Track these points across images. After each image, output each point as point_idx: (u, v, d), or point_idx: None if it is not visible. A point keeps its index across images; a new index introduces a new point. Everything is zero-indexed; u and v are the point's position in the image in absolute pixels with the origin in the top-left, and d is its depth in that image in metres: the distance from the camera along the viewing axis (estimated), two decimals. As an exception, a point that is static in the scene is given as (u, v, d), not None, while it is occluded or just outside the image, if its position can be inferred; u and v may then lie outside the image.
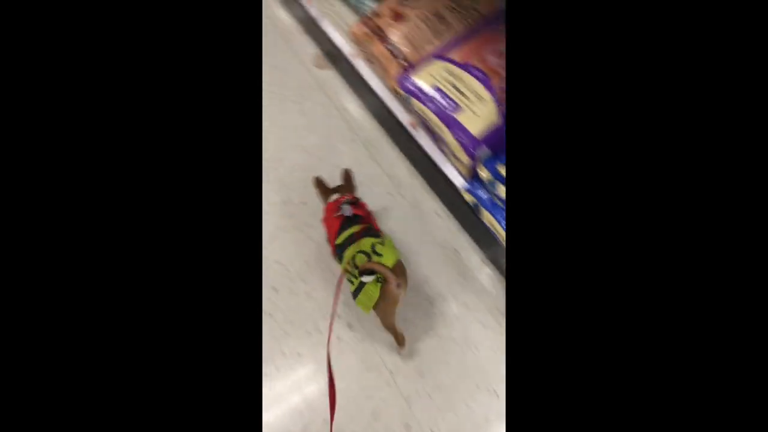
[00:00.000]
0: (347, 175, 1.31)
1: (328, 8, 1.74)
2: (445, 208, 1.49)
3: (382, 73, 1.43)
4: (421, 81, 1.21)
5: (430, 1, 1.41)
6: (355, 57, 1.58)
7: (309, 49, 1.92)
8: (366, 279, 0.99)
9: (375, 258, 1.01)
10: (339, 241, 1.10)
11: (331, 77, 1.84)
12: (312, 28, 1.86)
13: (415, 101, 1.22)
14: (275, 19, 2.04)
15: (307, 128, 1.69)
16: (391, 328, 1.12)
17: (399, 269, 1.04)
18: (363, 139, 1.66)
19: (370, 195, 1.51)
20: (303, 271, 1.38)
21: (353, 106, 1.74)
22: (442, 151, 1.33)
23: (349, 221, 1.12)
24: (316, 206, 1.35)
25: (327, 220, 1.19)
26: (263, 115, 1.72)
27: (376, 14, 1.45)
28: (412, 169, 1.57)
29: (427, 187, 1.53)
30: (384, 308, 1.04)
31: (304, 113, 1.74)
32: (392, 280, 0.98)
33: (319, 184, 1.29)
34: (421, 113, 1.25)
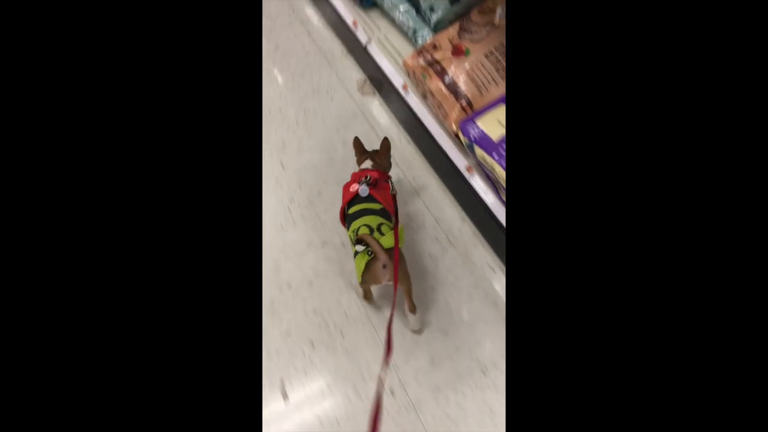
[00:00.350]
0: (385, 144, 1.29)
1: (377, 32, 1.63)
2: (499, 261, 1.35)
3: (439, 111, 1.30)
4: (488, 129, 1.08)
5: (495, 33, 1.28)
6: (406, 89, 1.46)
7: (354, 74, 1.81)
8: (358, 248, 1.04)
9: (376, 235, 1.05)
10: (350, 211, 1.14)
11: (376, 105, 1.72)
12: (358, 52, 1.75)
13: (479, 150, 1.09)
14: (320, 41, 1.94)
15: (349, 159, 1.59)
16: (365, 290, 1.26)
17: (392, 254, 1.05)
18: (410, 177, 1.54)
19: (414, 236, 1.39)
20: (341, 323, 1.28)
21: (403, 141, 1.62)
22: (504, 201, 1.19)
23: (363, 199, 1.14)
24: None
25: (345, 187, 1.20)
26: (303, 141, 1.63)
27: (434, 46, 1.32)
28: (463, 215, 1.44)
29: (480, 237, 1.40)
30: (367, 281, 1.08)
31: (346, 143, 1.63)
32: (381, 259, 1.01)
33: (357, 143, 1.32)
34: (484, 163, 1.12)
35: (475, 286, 1.31)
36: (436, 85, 1.27)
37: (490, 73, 1.22)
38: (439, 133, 1.36)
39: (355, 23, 1.67)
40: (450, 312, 1.27)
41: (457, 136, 1.23)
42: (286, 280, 1.36)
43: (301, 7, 2.07)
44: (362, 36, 1.64)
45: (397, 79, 1.49)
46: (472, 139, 1.10)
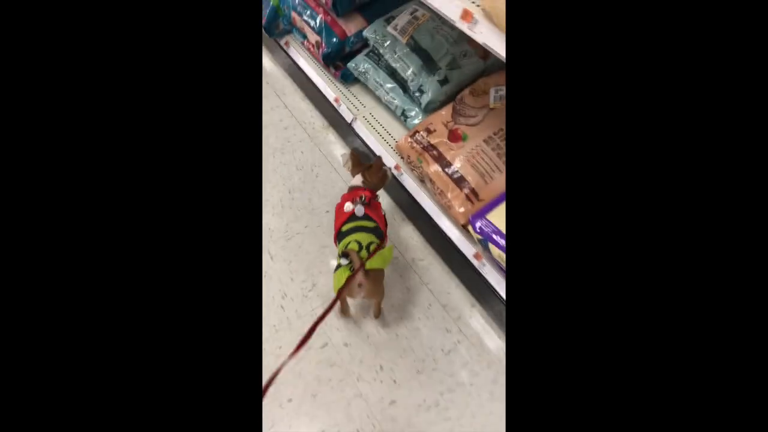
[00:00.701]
0: (378, 162, 1.28)
1: (362, 109, 1.58)
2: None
3: (440, 199, 1.24)
4: (503, 225, 1.02)
5: (491, 116, 1.25)
6: (399, 170, 1.40)
7: (338, 148, 1.74)
8: (342, 261, 1.06)
9: (363, 254, 1.06)
10: (346, 227, 1.14)
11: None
12: (340, 124, 1.69)
13: (495, 249, 1.03)
14: (299, 113, 1.87)
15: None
16: (341, 303, 1.26)
17: (373, 276, 1.08)
18: (408, 258, 1.45)
19: (423, 329, 1.28)
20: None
21: (398, 219, 1.54)
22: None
23: (357, 218, 1.15)
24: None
25: (338, 208, 1.21)
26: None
27: (428, 130, 1.28)
28: (473, 300, 1.36)
29: (494, 326, 1.31)
30: (343, 296, 1.13)
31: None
32: (358, 277, 1.03)
33: (354, 155, 1.30)
34: (500, 261, 1.05)
35: (495, 381, 1.22)
36: (435, 171, 1.21)
37: (492, 160, 1.18)
38: (439, 216, 1.30)
39: (337, 100, 1.61)
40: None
41: (464, 227, 1.17)
42: (286, 395, 1.21)
43: (276, 78, 2.01)
44: (346, 113, 1.59)
45: (389, 160, 1.43)
46: (486, 236, 1.04)
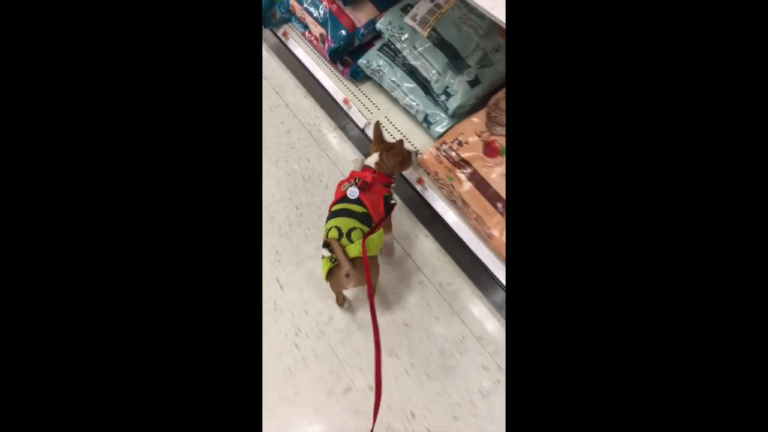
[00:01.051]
0: (398, 145, 1.16)
1: (375, 112, 1.39)
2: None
3: (478, 226, 1.07)
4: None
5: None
6: (422, 184, 1.22)
7: (349, 154, 1.56)
8: (323, 252, 1.02)
9: (344, 241, 1.02)
10: (334, 208, 1.10)
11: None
12: (349, 125, 1.50)
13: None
14: (302, 113, 1.67)
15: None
16: (336, 294, 1.22)
17: (359, 263, 1.01)
18: (435, 282, 1.29)
19: (456, 367, 1.13)
20: None
21: (420, 236, 1.37)
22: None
23: (349, 199, 1.09)
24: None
25: (339, 185, 1.15)
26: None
27: (458, 141, 1.09)
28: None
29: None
30: (332, 285, 1.11)
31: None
32: (343, 268, 0.99)
33: (377, 128, 1.19)
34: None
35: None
36: (469, 192, 1.04)
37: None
38: (476, 244, 1.13)
39: (347, 102, 1.42)
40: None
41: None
42: (306, 451, 1.08)
43: (273, 71, 1.80)
44: (358, 117, 1.39)
45: (410, 173, 1.25)
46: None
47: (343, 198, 1.09)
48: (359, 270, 1.01)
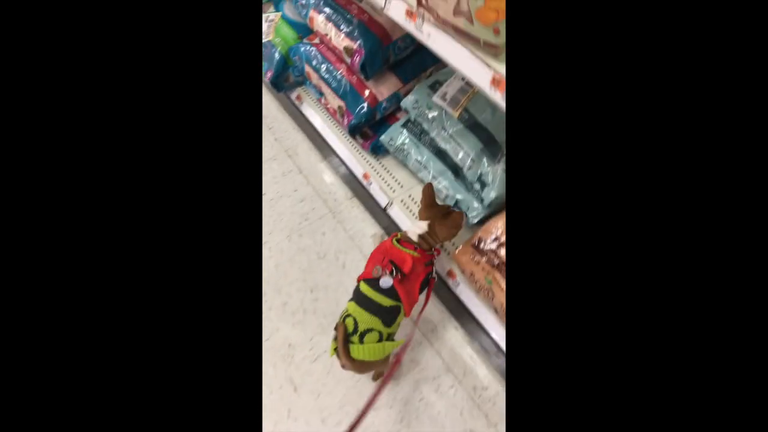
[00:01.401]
0: (456, 217, 1.00)
1: (398, 190, 1.27)
2: None
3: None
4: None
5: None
6: (454, 278, 1.09)
7: (368, 227, 1.44)
8: (333, 333, 0.96)
9: (355, 338, 0.93)
10: (362, 288, 0.97)
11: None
12: (366, 196, 1.39)
13: None
14: (316, 180, 1.56)
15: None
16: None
17: (359, 365, 0.94)
18: (469, 387, 1.15)
19: None
20: None
21: (449, 328, 1.24)
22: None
23: (381, 290, 0.95)
24: None
25: (374, 254, 1.01)
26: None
27: (497, 240, 0.97)
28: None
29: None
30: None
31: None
32: (340, 362, 0.94)
33: (428, 191, 1.03)
34: None
35: None
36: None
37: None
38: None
39: (366, 176, 1.31)
40: None
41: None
42: None
43: (285, 132, 1.70)
44: (379, 195, 1.28)
45: (441, 265, 1.12)
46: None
47: (374, 283, 0.95)
48: (358, 365, 0.94)
